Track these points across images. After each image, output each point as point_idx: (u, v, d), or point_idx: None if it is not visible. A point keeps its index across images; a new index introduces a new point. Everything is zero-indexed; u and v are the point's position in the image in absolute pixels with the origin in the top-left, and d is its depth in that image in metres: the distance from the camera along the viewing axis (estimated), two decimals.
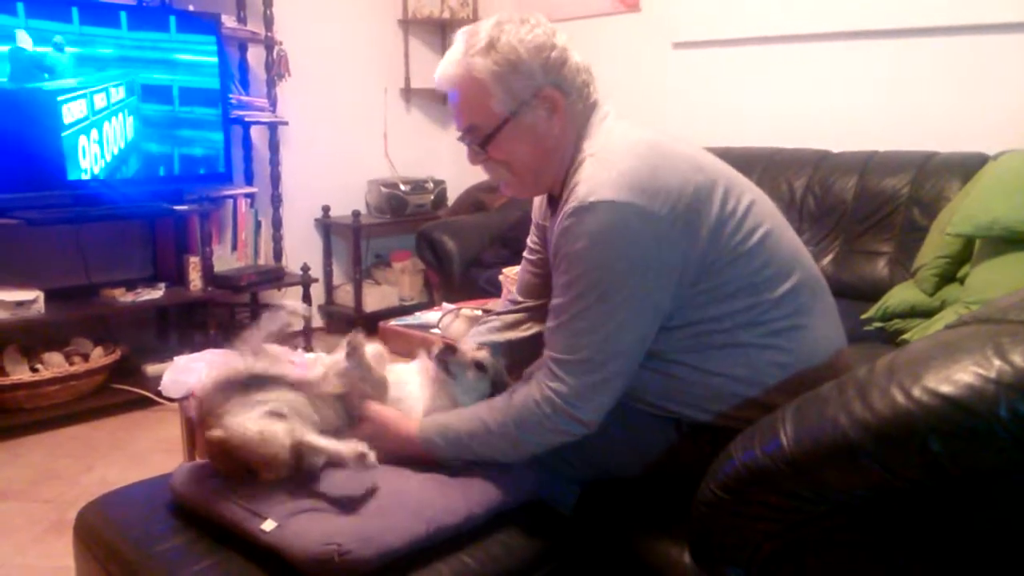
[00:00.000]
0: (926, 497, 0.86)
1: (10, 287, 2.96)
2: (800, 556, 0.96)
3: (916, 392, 0.81)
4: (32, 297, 2.96)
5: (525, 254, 1.68)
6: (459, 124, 1.39)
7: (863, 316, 2.45)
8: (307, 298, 3.89)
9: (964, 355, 0.81)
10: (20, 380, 2.94)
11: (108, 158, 3.12)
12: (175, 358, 2.56)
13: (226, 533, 1.25)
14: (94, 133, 3.06)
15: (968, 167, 2.60)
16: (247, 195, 3.74)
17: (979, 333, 0.86)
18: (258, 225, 3.77)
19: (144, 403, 3.16)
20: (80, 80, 2.99)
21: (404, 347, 1.59)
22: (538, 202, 1.62)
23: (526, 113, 1.33)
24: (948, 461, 0.79)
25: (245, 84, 3.79)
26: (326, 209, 4.22)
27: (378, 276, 4.43)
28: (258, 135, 3.91)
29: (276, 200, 3.90)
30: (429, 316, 2.51)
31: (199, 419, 1.35)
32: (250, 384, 1.33)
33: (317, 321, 4.10)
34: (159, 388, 3.03)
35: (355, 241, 4.14)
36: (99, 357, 3.16)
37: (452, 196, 4.38)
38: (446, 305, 2.65)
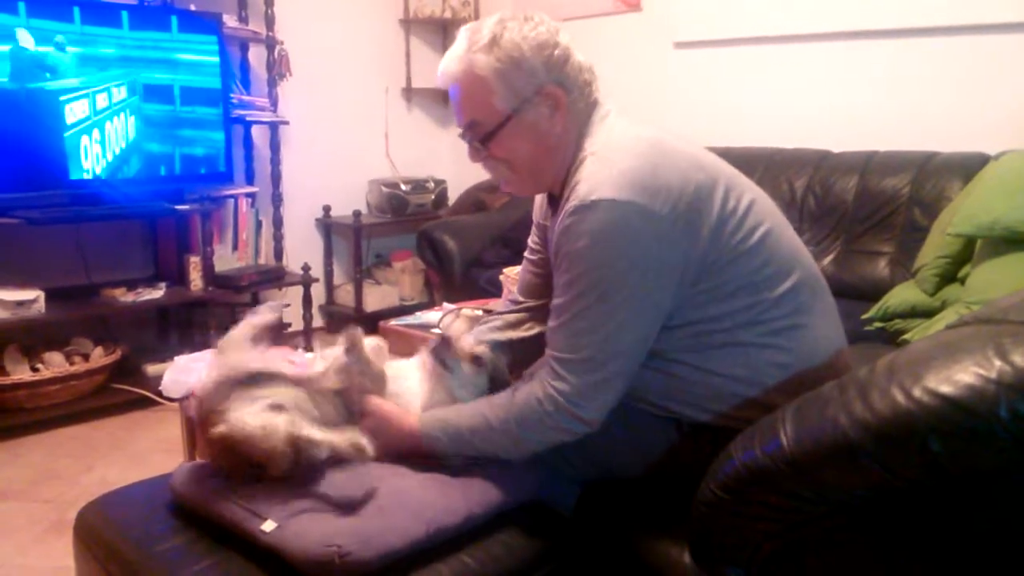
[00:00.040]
0: (926, 497, 0.86)
1: (11, 286, 2.97)
2: (800, 556, 0.96)
3: (916, 392, 0.81)
4: (33, 297, 2.96)
5: (526, 254, 1.68)
6: (460, 121, 1.39)
7: (864, 316, 2.45)
8: (308, 298, 3.90)
9: (965, 355, 0.81)
10: (20, 380, 2.94)
11: (110, 158, 3.12)
12: (175, 358, 2.56)
13: (226, 533, 1.25)
14: (96, 133, 3.06)
15: (969, 167, 2.60)
16: (248, 195, 3.74)
17: (980, 333, 0.86)
18: (259, 225, 3.77)
19: (144, 403, 3.16)
20: (82, 80, 2.99)
21: (404, 347, 1.59)
22: (539, 202, 1.62)
23: (528, 111, 1.33)
24: (948, 461, 0.79)
25: (246, 84, 3.79)
26: (327, 209, 4.22)
27: (379, 276, 4.43)
28: (259, 135, 3.91)
29: (277, 200, 3.90)
30: (430, 316, 2.51)
31: (200, 418, 1.35)
32: (250, 381, 1.33)
33: (318, 321, 4.10)
34: (159, 388, 3.04)
35: (356, 241, 4.14)
36: (99, 357, 3.17)
37: (453, 196, 4.38)
38: (447, 305, 2.65)
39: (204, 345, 3.07)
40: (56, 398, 3.02)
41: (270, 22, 3.71)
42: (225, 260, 3.60)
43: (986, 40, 2.77)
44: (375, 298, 4.22)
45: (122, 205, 3.17)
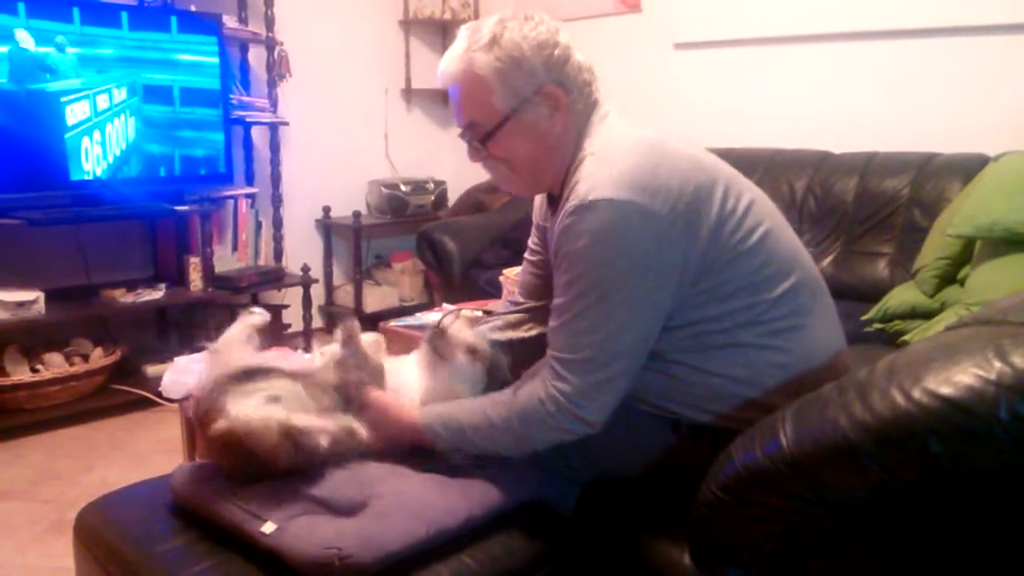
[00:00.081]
0: (926, 498, 0.86)
1: (11, 287, 2.96)
2: (800, 557, 0.96)
3: (916, 394, 0.81)
4: (33, 297, 2.96)
5: (526, 255, 1.68)
6: (459, 120, 1.39)
7: (863, 317, 2.45)
8: (307, 299, 3.90)
9: (964, 357, 0.81)
10: (20, 380, 2.94)
11: (110, 159, 3.12)
12: (175, 359, 2.57)
13: (226, 534, 1.25)
14: (96, 134, 3.06)
15: (969, 168, 2.60)
16: (248, 195, 3.74)
17: (979, 335, 0.86)
18: (259, 225, 3.77)
19: (144, 404, 3.16)
20: (83, 81, 2.99)
21: (404, 348, 1.59)
22: (539, 203, 1.62)
23: (527, 110, 1.33)
24: (948, 462, 0.79)
25: (246, 84, 3.79)
26: (327, 209, 4.22)
27: (378, 277, 4.43)
28: (259, 135, 3.91)
29: (277, 200, 3.90)
30: (429, 317, 2.51)
31: (198, 418, 1.35)
32: (246, 377, 1.32)
33: (317, 322, 4.10)
34: (159, 389, 3.04)
35: (355, 241, 4.14)
36: (99, 358, 3.16)
37: (453, 197, 4.38)
38: (446, 306, 2.65)
39: (204, 346, 3.06)
40: (56, 399, 3.02)
41: (270, 23, 3.71)
42: (225, 261, 3.60)
43: (986, 41, 2.77)
44: (375, 299, 4.23)
45: (122, 206, 3.17)
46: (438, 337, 1.46)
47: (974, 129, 2.79)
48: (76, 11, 2.95)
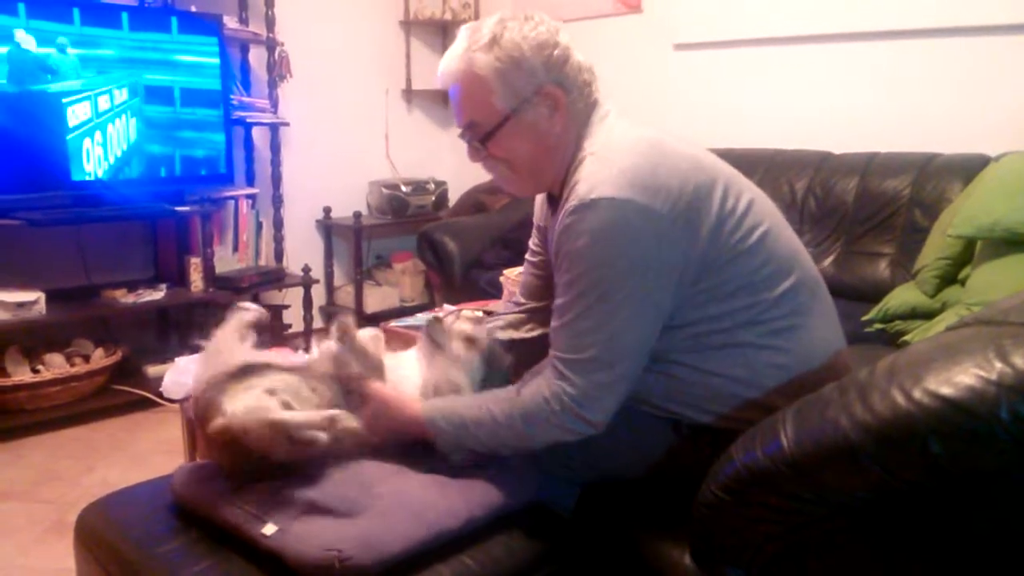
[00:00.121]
0: (926, 498, 0.86)
1: (11, 288, 2.96)
2: (801, 558, 0.96)
3: (917, 394, 0.81)
4: (33, 298, 2.96)
5: (527, 256, 1.68)
6: (459, 120, 1.39)
7: (864, 318, 2.45)
8: (308, 299, 3.90)
9: (965, 357, 0.81)
10: (21, 381, 2.94)
11: (111, 160, 3.12)
12: (176, 359, 2.57)
13: (227, 534, 1.25)
14: (98, 135, 3.06)
15: (969, 168, 2.60)
16: (248, 196, 3.74)
17: (980, 335, 0.86)
18: (259, 226, 3.78)
19: (145, 404, 3.16)
20: (84, 82, 2.99)
21: (405, 347, 1.59)
22: (539, 204, 1.62)
23: (527, 110, 1.33)
24: (949, 463, 0.79)
25: (247, 85, 3.79)
26: (327, 210, 4.22)
27: (379, 277, 4.43)
28: (259, 136, 3.91)
29: (277, 201, 3.90)
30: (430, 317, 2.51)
31: (197, 417, 1.34)
32: (242, 373, 1.31)
33: (318, 322, 4.10)
34: (160, 389, 3.04)
35: (356, 242, 4.14)
36: (100, 358, 3.17)
37: (453, 197, 4.38)
38: (447, 306, 2.65)
39: (202, 346, 3.07)
40: (57, 399, 3.02)
41: (270, 23, 3.72)
42: (225, 261, 3.60)
43: (986, 41, 2.77)
44: (375, 299, 4.23)
45: (123, 206, 3.17)
46: (435, 327, 1.46)
47: (975, 129, 2.79)
48: (76, 12, 2.95)
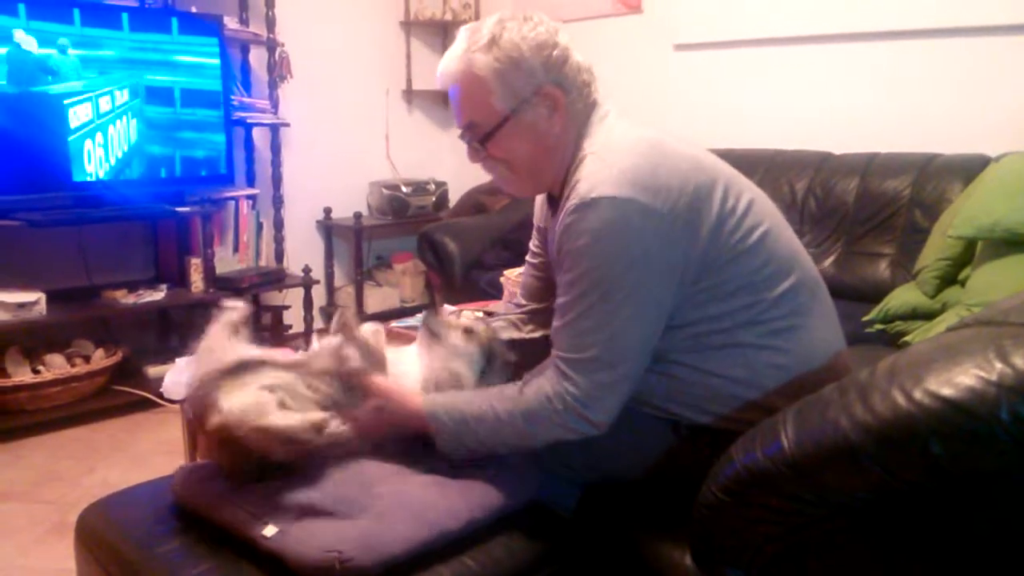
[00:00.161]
0: (927, 499, 0.86)
1: (12, 288, 2.97)
2: (801, 558, 0.96)
3: (917, 394, 0.81)
4: (34, 299, 2.96)
5: (528, 258, 1.68)
6: (459, 121, 1.39)
7: (864, 318, 2.45)
8: (308, 300, 3.90)
9: (965, 358, 0.81)
10: (22, 382, 2.94)
11: (112, 161, 3.12)
12: (176, 360, 2.57)
13: (227, 535, 1.25)
14: (99, 136, 3.06)
15: (970, 169, 2.60)
16: (249, 197, 3.75)
17: (980, 335, 0.86)
18: (260, 227, 3.78)
19: (145, 405, 3.16)
20: (84, 83, 2.99)
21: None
22: (539, 205, 1.62)
23: (526, 111, 1.33)
24: (949, 463, 0.79)
25: (247, 86, 3.79)
26: (328, 211, 4.22)
27: (379, 278, 4.43)
28: (260, 137, 3.91)
29: (278, 202, 3.90)
30: None
31: (196, 416, 1.34)
32: (238, 370, 1.30)
33: (319, 323, 4.10)
34: (160, 390, 3.04)
35: (356, 243, 4.14)
36: (100, 359, 3.17)
37: (454, 198, 4.38)
38: (447, 307, 2.65)
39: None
40: (57, 400, 3.02)
41: (271, 24, 3.72)
42: (226, 262, 3.61)
43: (987, 42, 2.77)
44: (376, 300, 4.23)
45: (123, 207, 3.17)
46: (433, 317, 1.47)
47: (975, 130, 2.79)
48: (76, 12, 2.95)
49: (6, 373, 2.97)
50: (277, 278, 3.73)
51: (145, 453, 2.82)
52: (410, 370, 1.45)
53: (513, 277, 2.35)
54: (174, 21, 3.25)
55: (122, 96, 3.12)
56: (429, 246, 3.60)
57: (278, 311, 3.85)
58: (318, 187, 4.17)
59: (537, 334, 1.62)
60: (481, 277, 3.40)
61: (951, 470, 0.79)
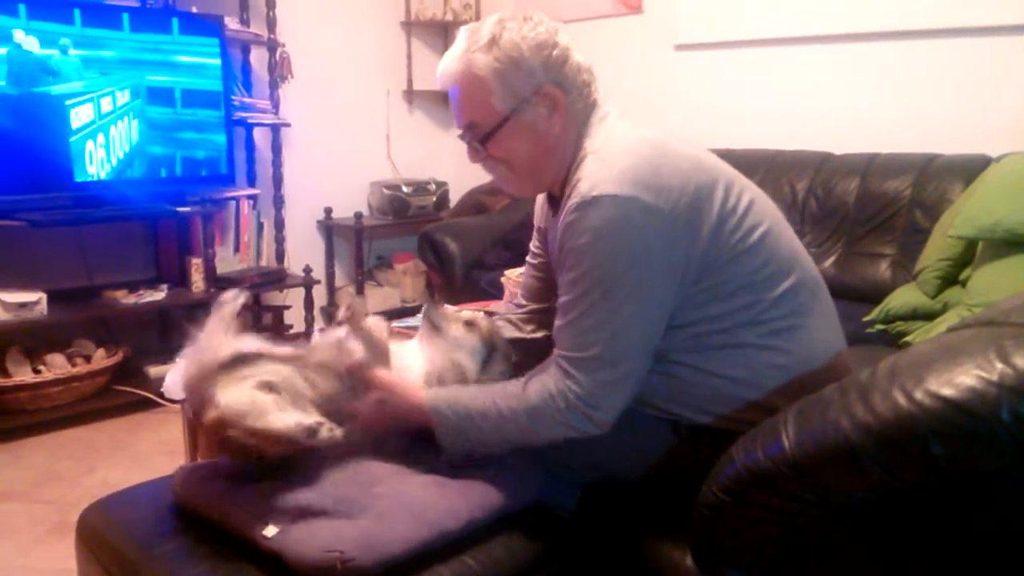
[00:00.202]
0: (927, 499, 0.86)
1: (13, 288, 2.97)
2: (802, 559, 0.96)
3: (918, 395, 0.81)
4: (35, 299, 2.96)
5: (528, 258, 1.68)
6: (459, 121, 1.39)
7: (865, 318, 2.45)
8: (309, 300, 3.90)
9: (966, 358, 0.81)
10: (22, 381, 2.94)
11: (113, 162, 3.13)
12: (177, 360, 2.56)
13: (228, 535, 1.25)
14: (100, 137, 3.06)
15: (970, 169, 2.60)
16: (249, 197, 3.75)
17: (981, 336, 0.86)
18: (260, 227, 3.78)
19: (146, 405, 3.16)
20: (86, 84, 2.99)
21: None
22: (539, 206, 1.62)
23: (526, 111, 1.33)
24: (949, 463, 0.79)
25: (248, 86, 3.79)
26: (328, 211, 4.22)
27: (380, 278, 4.43)
28: (261, 137, 3.91)
29: (278, 202, 3.90)
30: None
31: (193, 409, 1.33)
32: (234, 363, 1.29)
33: (319, 323, 4.10)
34: (161, 390, 3.05)
35: (357, 243, 4.14)
36: (101, 359, 3.17)
37: (454, 198, 4.38)
38: (448, 307, 2.65)
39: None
40: (58, 400, 3.02)
41: (271, 24, 3.72)
42: (227, 262, 3.61)
43: (988, 42, 2.77)
44: (377, 300, 4.23)
45: (124, 207, 3.17)
46: (434, 310, 1.47)
47: (976, 130, 2.79)
48: (77, 12, 2.95)
49: (7, 373, 2.97)
50: (278, 278, 3.73)
51: (146, 453, 2.82)
52: (412, 364, 1.44)
53: (514, 277, 2.34)
54: (175, 21, 3.25)
55: (123, 97, 3.12)
56: (430, 246, 3.60)
57: (279, 311, 3.85)
58: (319, 187, 4.17)
59: (538, 334, 1.62)
60: (482, 277, 3.40)
61: (952, 470, 0.79)
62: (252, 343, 1.35)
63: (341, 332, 1.39)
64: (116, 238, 3.48)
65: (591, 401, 1.24)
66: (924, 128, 2.92)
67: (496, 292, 2.98)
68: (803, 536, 0.94)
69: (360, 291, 4.16)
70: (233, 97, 3.55)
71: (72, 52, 2.95)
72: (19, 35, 2.82)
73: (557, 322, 1.30)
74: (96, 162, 3.07)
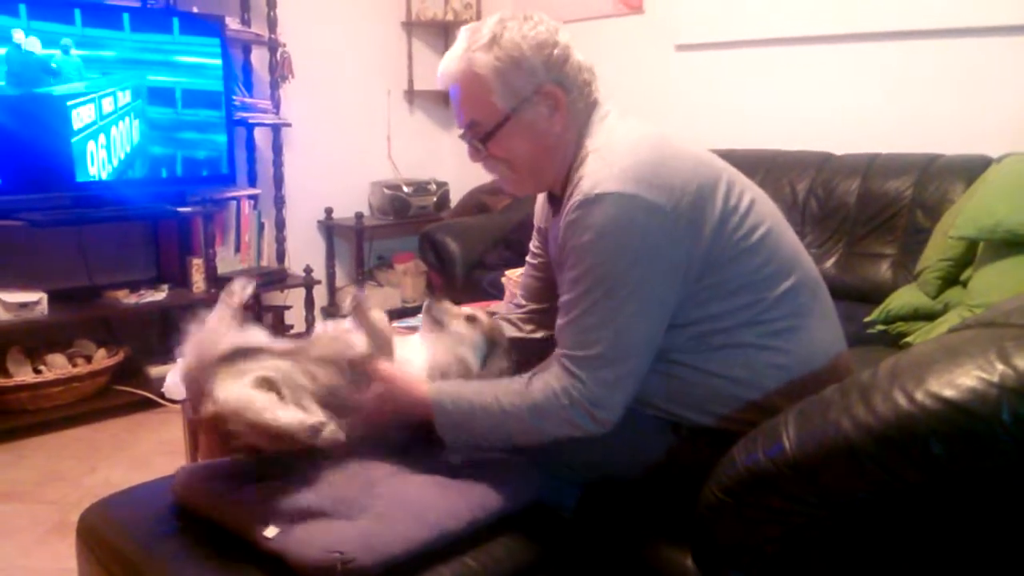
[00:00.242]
0: (928, 499, 0.86)
1: (14, 288, 2.97)
2: (802, 559, 0.96)
3: (919, 395, 0.81)
4: (36, 299, 2.96)
5: (528, 258, 1.68)
6: (460, 120, 1.39)
7: (866, 319, 2.45)
8: (310, 300, 3.90)
9: (967, 359, 0.81)
10: (23, 382, 2.94)
11: (115, 162, 3.13)
12: (178, 360, 2.56)
13: (229, 536, 1.25)
14: (102, 138, 3.07)
15: (971, 169, 2.59)
16: (250, 197, 3.75)
17: (982, 337, 0.86)
18: (261, 227, 3.78)
19: (147, 405, 3.16)
20: (87, 84, 2.99)
21: None
22: (539, 206, 1.62)
23: (527, 110, 1.33)
24: (950, 464, 0.79)
25: (249, 86, 3.79)
26: (329, 211, 4.22)
27: (381, 278, 4.43)
28: (261, 137, 3.91)
29: (279, 202, 3.90)
30: None
31: (191, 401, 1.32)
32: (235, 357, 1.28)
33: (320, 323, 4.10)
34: (162, 390, 3.06)
35: (358, 243, 4.14)
36: (102, 359, 3.17)
37: (455, 198, 4.38)
38: (449, 303, 2.64)
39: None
40: (59, 400, 3.03)
41: (272, 24, 3.72)
42: (227, 262, 3.61)
43: (989, 43, 2.77)
44: (377, 300, 4.22)
45: (125, 207, 3.17)
46: (435, 305, 1.47)
47: (977, 130, 2.78)
48: (77, 12, 2.95)
49: (8, 373, 2.97)
50: (279, 278, 3.73)
51: (146, 453, 2.82)
52: (414, 358, 1.44)
53: (515, 277, 2.34)
54: (175, 21, 3.25)
55: (124, 97, 3.12)
56: (430, 246, 3.60)
57: (279, 311, 3.86)
58: (319, 187, 4.17)
59: (538, 334, 1.62)
60: (483, 277, 3.40)
61: (952, 471, 0.79)
62: (255, 335, 1.34)
63: (345, 324, 1.39)
64: (117, 238, 3.48)
65: (594, 399, 1.24)
66: (925, 128, 2.92)
67: (497, 292, 2.98)
68: (804, 537, 0.94)
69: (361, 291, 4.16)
70: (234, 97, 3.55)
71: (74, 52, 2.95)
72: (20, 36, 2.82)
73: (559, 320, 1.29)
74: (97, 162, 3.07)
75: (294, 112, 3.90)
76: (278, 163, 3.88)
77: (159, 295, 3.33)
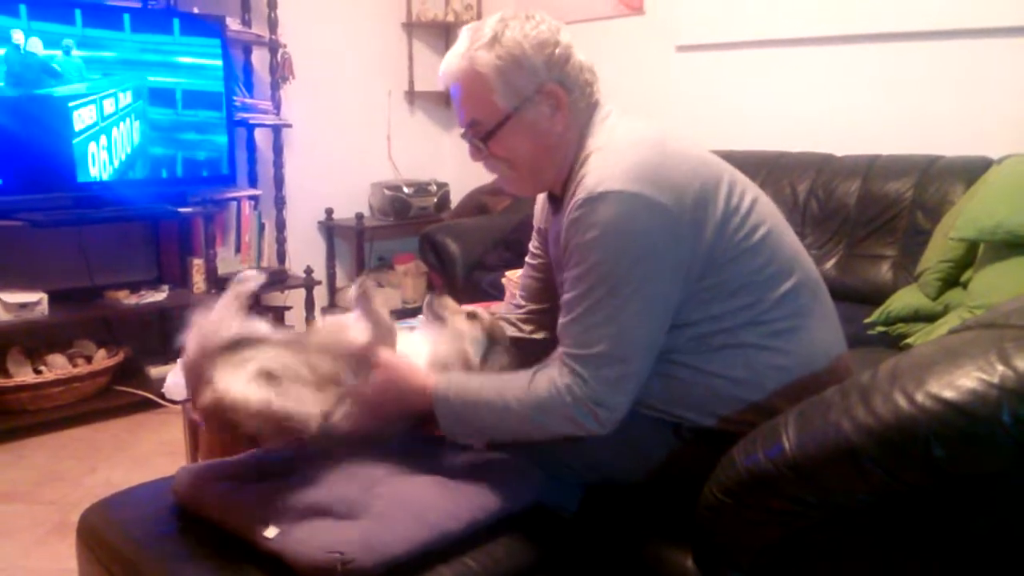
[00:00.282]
0: (928, 501, 0.86)
1: (14, 289, 2.97)
2: (803, 560, 0.96)
3: (919, 397, 0.81)
4: (36, 299, 2.96)
5: (527, 259, 1.68)
6: (461, 119, 1.39)
7: (866, 320, 2.45)
8: (310, 301, 3.90)
9: (967, 360, 0.81)
10: (24, 382, 2.94)
11: (116, 163, 3.13)
12: (178, 360, 2.57)
13: (229, 536, 1.25)
14: (103, 139, 3.07)
15: (972, 171, 2.59)
16: (251, 197, 3.75)
17: (982, 338, 0.86)
18: (261, 227, 3.78)
19: (147, 405, 3.16)
20: (88, 85, 3.00)
21: None
22: (539, 206, 1.62)
23: (528, 109, 1.33)
24: (950, 465, 0.79)
25: (249, 87, 3.79)
26: (329, 211, 4.22)
27: (381, 278, 4.43)
28: (262, 137, 3.91)
29: (279, 202, 3.90)
30: None
31: (190, 387, 1.31)
32: (234, 346, 1.28)
33: (320, 318, 4.10)
34: (162, 390, 3.06)
35: (358, 243, 4.14)
36: (102, 359, 3.17)
37: (455, 199, 4.38)
38: (450, 300, 2.65)
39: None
40: (59, 400, 3.03)
41: (273, 25, 3.72)
42: (228, 262, 3.61)
43: (989, 44, 2.77)
44: (378, 301, 4.21)
45: (125, 208, 3.17)
46: (436, 301, 1.48)
47: (977, 132, 2.78)
48: (78, 13, 2.95)
49: (8, 373, 2.97)
50: (279, 279, 3.73)
51: (147, 454, 2.82)
52: (415, 352, 1.44)
53: (515, 278, 2.34)
54: (176, 22, 3.25)
55: (125, 98, 3.12)
56: (431, 247, 3.60)
57: (280, 312, 3.86)
58: (320, 188, 4.17)
59: (538, 335, 1.62)
60: (483, 278, 3.39)
61: (952, 472, 0.79)
62: (257, 326, 1.34)
63: (351, 315, 1.39)
64: (117, 239, 3.48)
65: (596, 398, 1.23)
66: (925, 130, 2.92)
67: (497, 293, 2.98)
68: (804, 538, 0.94)
69: None
70: (234, 98, 3.55)
71: (75, 52, 2.95)
72: (21, 36, 2.82)
73: (562, 319, 1.29)
74: (98, 163, 3.07)
75: (295, 113, 3.90)
76: (279, 164, 3.88)
77: (159, 295, 3.33)
